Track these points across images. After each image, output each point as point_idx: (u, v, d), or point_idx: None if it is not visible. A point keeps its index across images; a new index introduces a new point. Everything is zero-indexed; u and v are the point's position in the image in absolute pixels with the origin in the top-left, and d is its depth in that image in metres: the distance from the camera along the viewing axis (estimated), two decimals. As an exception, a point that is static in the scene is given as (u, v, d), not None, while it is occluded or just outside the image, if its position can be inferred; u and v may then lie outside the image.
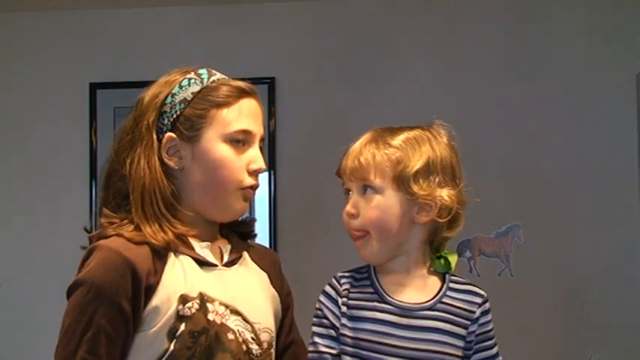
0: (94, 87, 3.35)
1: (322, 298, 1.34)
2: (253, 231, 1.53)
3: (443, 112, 3.49)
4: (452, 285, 1.35)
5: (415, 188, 1.30)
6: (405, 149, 1.31)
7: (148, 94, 1.38)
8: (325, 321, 1.32)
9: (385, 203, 1.30)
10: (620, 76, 3.16)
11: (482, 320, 1.33)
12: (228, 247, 1.42)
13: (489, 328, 1.35)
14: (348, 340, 1.29)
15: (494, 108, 3.23)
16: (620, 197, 3.14)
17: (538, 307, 3.14)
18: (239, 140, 1.36)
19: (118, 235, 1.30)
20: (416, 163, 1.30)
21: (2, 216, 3.38)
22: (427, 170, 1.31)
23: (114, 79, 3.32)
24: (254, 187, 1.40)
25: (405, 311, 1.30)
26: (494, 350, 1.35)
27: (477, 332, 1.33)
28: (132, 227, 1.31)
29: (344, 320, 1.30)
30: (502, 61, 3.24)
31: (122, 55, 3.37)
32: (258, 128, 1.39)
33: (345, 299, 1.32)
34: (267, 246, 3.17)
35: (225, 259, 1.40)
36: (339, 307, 1.31)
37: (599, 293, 3.13)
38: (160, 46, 3.30)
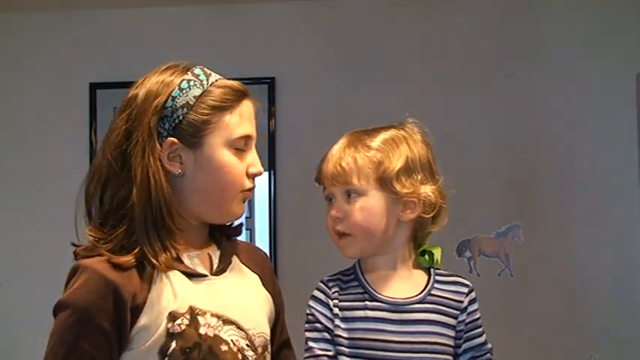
0: (94, 87, 3.36)
1: (312, 303, 1.36)
2: (241, 231, 1.51)
3: (443, 111, 3.49)
4: (438, 277, 1.38)
5: (398, 187, 1.33)
6: (385, 150, 1.34)
7: (141, 92, 1.33)
8: (318, 325, 1.34)
9: (370, 205, 1.33)
10: (620, 76, 3.16)
11: (470, 309, 1.36)
12: (218, 253, 1.41)
13: (477, 316, 1.37)
14: (344, 341, 1.31)
15: (494, 108, 3.23)
16: (620, 197, 3.14)
17: (538, 307, 3.14)
18: (240, 144, 1.35)
19: (103, 255, 1.28)
20: (397, 163, 1.33)
21: (2, 216, 3.38)
22: (408, 169, 1.34)
23: (114, 79, 3.31)
24: (252, 189, 1.40)
25: (396, 306, 1.32)
26: (483, 338, 1.38)
27: (467, 321, 1.36)
28: (119, 246, 1.28)
29: (337, 322, 1.33)
30: (502, 61, 3.24)
31: (122, 55, 3.37)
32: (254, 131, 1.39)
33: (336, 301, 1.34)
34: (268, 246, 3.21)
35: (215, 266, 1.38)
36: (331, 310, 1.34)
37: (599, 293, 3.13)
38: (159, 46, 3.30)
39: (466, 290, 1.37)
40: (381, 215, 1.33)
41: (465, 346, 1.35)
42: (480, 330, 1.37)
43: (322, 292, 1.36)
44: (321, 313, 1.34)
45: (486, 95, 3.24)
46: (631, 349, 3.08)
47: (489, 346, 1.38)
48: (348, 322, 1.32)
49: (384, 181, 1.33)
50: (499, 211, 3.19)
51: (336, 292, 1.35)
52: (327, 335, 1.33)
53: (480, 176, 3.15)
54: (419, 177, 1.34)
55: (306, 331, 1.35)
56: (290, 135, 3.27)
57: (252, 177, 1.38)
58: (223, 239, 1.43)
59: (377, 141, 1.35)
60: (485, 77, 3.24)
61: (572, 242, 3.16)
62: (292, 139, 3.27)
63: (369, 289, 1.35)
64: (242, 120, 1.35)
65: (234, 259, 1.44)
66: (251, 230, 3.24)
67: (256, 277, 1.46)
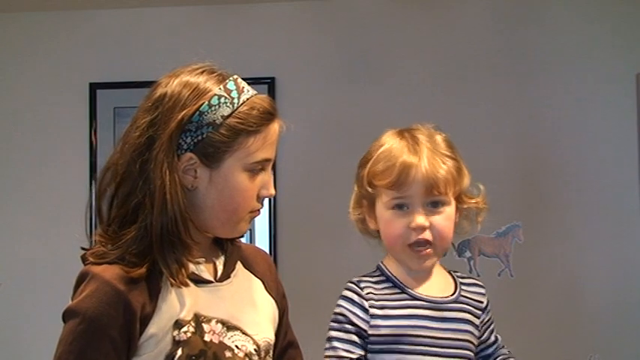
0: (94, 87, 3.36)
1: (344, 303, 1.36)
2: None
3: (443, 112, 3.49)
4: (460, 280, 1.44)
5: (472, 200, 1.42)
6: (458, 159, 1.39)
7: (169, 93, 1.31)
8: (348, 326, 1.34)
9: (452, 214, 1.38)
10: (620, 76, 3.16)
11: (488, 308, 1.44)
12: (222, 258, 1.41)
13: (491, 315, 1.46)
14: (385, 338, 1.33)
15: (493, 108, 3.23)
16: (619, 197, 3.14)
17: (538, 307, 3.14)
18: (257, 168, 1.35)
19: (114, 262, 1.27)
20: (468, 176, 1.41)
21: (2, 216, 3.38)
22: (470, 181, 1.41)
23: (114, 79, 3.32)
24: (259, 210, 1.39)
25: (437, 305, 1.37)
26: (495, 333, 1.47)
27: (485, 319, 1.43)
28: (128, 252, 1.27)
29: (378, 321, 1.34)
30: (502, 61, 3.24)
31: (122, 55, 3.37)
32: (274, 153, 1.39)
33: (372, 302, 1.35)
34: (268, 246, 3.21)
35: (220, 272, 1.38)
36: (367, 310, 1.34)
37: (599, 293, 3.13)
38: (160, 46, 3.30)
39: (484, 291, 1.45)
40: (453, 223, 1.40)
41: (486, 341, 1.43)
42: (493, 326, 1.46)
43: (355, 292, 1.36)
44: (354, 314, 1.35)
45: (486, 96, 3.24)
46: (631, 349, 3.08)
47: (499, 338, 1.47)
48: (390, 319, 1.34)
49: (461, 192, 1.39)
50: (499, 211, 3.18)
51: (370, 292, 1.36)
52: (354, 338, 1.33)
53: (479, 176, 3.14)
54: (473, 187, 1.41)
55: (333, 330, 1.35)
56: (290, 135, 3.27)
57: (262, 199, 1.38)
58: (227, 243, 1.43)
59: (447, 148, 1.39)
60: (486, 78, 3.24)
61: (572, 242, 3.16)
62: (292, 139, 3.26)
63: (406, 289, 1.38)
64: (264, 144, 1.34)
65: (238, 264, 1.44)
66: (251, 230, 3.24)
67: (259, 282, 1.46)
